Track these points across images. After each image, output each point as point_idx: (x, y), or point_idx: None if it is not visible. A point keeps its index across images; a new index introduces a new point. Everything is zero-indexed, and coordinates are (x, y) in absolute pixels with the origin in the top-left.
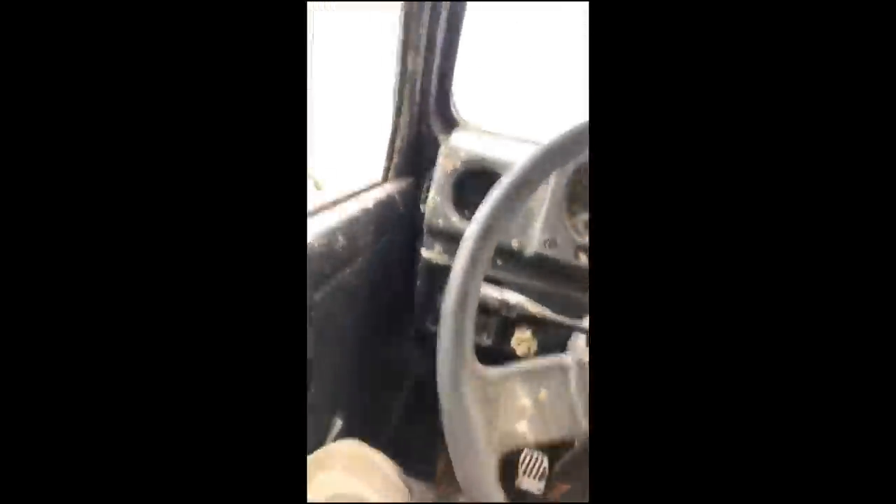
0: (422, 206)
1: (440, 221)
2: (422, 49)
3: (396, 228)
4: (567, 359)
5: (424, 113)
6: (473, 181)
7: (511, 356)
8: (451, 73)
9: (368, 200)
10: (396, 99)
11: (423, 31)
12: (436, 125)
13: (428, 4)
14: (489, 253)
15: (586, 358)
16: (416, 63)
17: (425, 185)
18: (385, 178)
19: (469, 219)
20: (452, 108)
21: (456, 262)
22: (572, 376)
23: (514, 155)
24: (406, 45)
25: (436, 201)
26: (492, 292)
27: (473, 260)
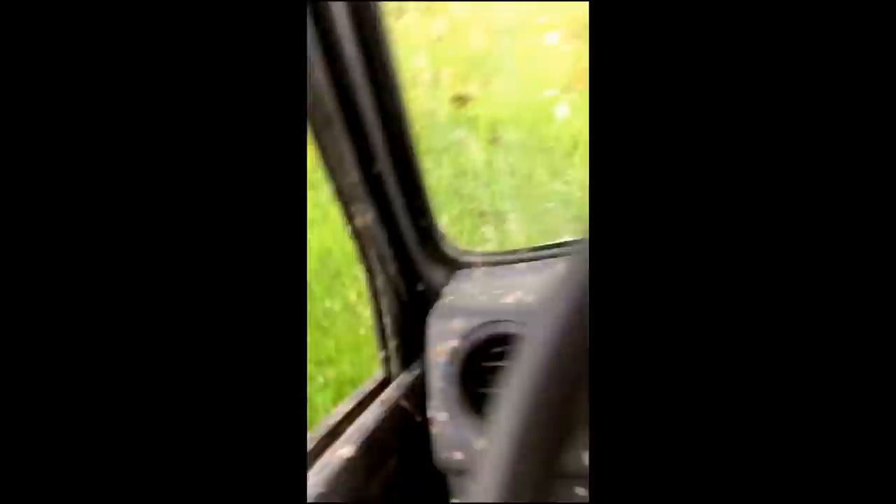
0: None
1: (458, 454)
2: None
3: (416, 456)
4: None
5: (410, 267)
6: (490, 359)
7: None
8: (423, 195)
9: (354, 434)
10: (363, 267)
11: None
12: (432, 276)
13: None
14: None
15: None
16: (367, 216)
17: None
18: (387, 377)
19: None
20: (443, 245)
21: None
22: None
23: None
24: (343, 196)
25: (439, 420)
26: None
27: None
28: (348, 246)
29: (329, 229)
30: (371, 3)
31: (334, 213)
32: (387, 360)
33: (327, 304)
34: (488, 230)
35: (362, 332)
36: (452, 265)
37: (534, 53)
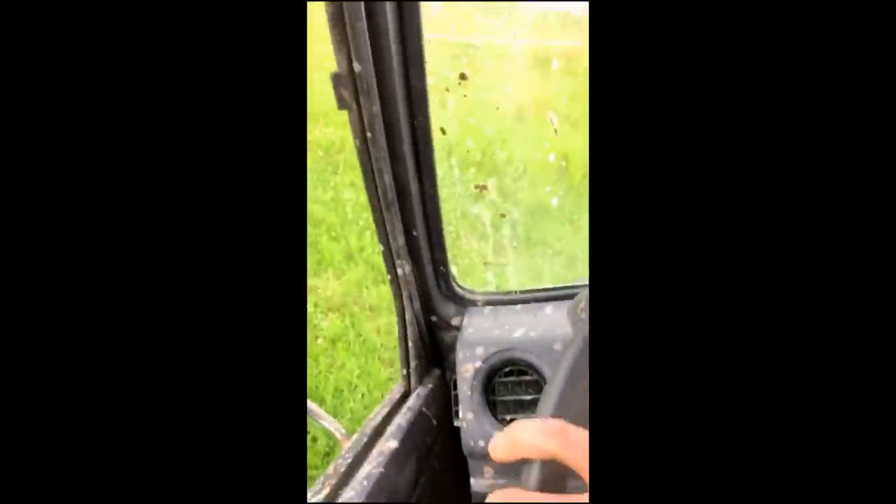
0: (455, 422)
1: (481, 443)
2: (408, 255)
3: (436, 455)
4: None
5: (428, 303)
6: (504, 375)
7: None
8: (444, 249)
9: (396, 431)
10: (396, 304)
11: (398, 228)
12: (444, 311)
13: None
14: None
15: None
16: (405, 268)
17: (453, 395)
18: (407, 389)
19: (509, 423)
20: (455, 287)
21: None
22: None
23: (537, 331)
24: (391, 255)
25: (467, 419)
26: None
27: None
28: None
29: None
30: (422, 119)
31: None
32: (407, 376)
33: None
34: (490, 276)
35: None
36: (461, 302)
37: (538, 166)
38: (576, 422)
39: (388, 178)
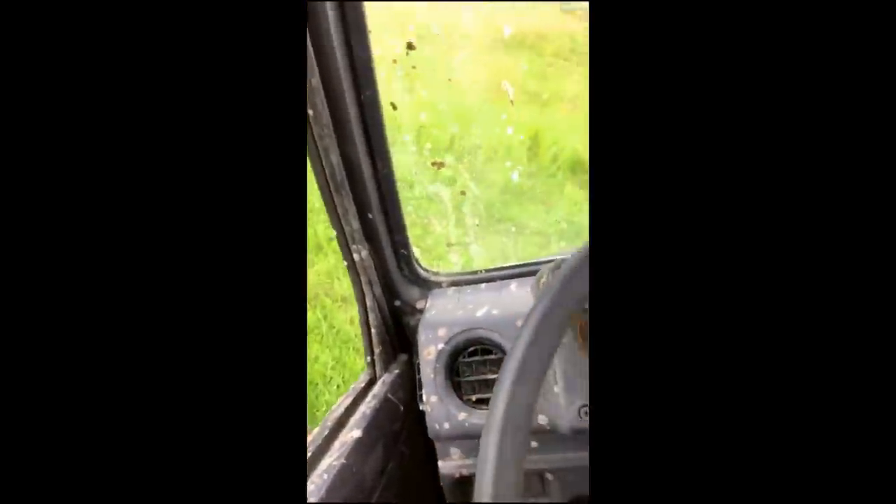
0: (420, 405)
1: (446, 425)
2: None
3: (404, 441)
4: None
5: (391, 288)
6: (468, 355)
7: None
8: (403, 231)
9: (360, 420)
10: (356, 290)
11: (353, 217)
12: (408, 294)
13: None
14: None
15: None
16: (362, 253)
17: (417, 379)
18: (372, 377)
19: (475, 403)
20: (418, 268)
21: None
22: None
23: (500, 308)
24: (345, 240)
25: (431, 402)
26: None
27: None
28: None
29: None
30: (371, 93)
31: None
32: (372, 363)
33: None
34: (454, 256)
35: None
36: (424, 285)
37: (496, 139)
38: (535, 388)
39: (335, 158)
